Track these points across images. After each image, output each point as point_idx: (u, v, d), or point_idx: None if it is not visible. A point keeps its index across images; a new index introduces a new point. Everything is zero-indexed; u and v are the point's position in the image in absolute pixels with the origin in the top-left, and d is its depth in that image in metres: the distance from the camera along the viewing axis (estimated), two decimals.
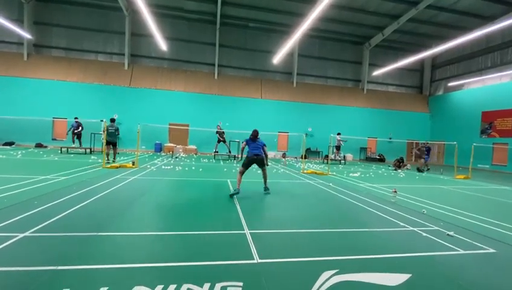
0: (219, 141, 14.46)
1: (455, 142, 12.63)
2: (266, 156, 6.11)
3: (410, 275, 2.49)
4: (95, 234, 3.09)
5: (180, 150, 16.14)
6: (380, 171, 12.53)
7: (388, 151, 20.17)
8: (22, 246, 2.69)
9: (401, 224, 4.15)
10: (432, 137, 21.12)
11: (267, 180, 6.22)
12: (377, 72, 19.75)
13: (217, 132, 14.48)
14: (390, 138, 19.97)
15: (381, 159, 20.03)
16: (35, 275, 2.15)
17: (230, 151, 14.88)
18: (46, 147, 15.74)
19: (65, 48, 17.47)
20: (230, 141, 14.91)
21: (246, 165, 5.96)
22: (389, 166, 15.39)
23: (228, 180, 7.45)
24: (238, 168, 6.18)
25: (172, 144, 16.90)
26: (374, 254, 2.95)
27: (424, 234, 3.72)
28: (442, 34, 18.30)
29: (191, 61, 18.89)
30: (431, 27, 17.88)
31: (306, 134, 13.38)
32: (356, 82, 21.46)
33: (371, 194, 6.60)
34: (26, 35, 15.94)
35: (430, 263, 2.83)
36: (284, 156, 16.70)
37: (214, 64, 18.80)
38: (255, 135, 6.13)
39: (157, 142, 17.21)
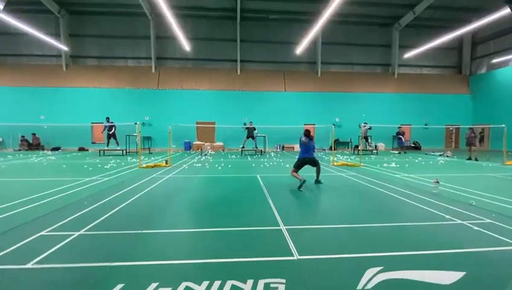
0: (248, 137, 14.64)
1: (503, 125, 11.43)
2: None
3: (465, 273, 2.31)
4: (141, 231, 3.28)
5: (208, 147, 16.55)
6: (416, 160, 11.80)
7: (424, 139, 18.93)
8: (78, 243, 2.94)
9: (447, 217, 3.87)
10: (474, 120, 19.36)
11: (320, 174, 6.45)
12: (409, 54, 18.44)
13: (246, 128, 14.71)
14: (426, 124, 18.69)
15: (417, 147, 18.85)
16: (93, 271, 2.33)
17: (256, 147, 14.94)
18: (87, 150, 17.05)
19: (98, 56, 18.62)
20: (256, 136, 14.96)
21: (298, 167, 6.15)
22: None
23: (257, 176, 7.50)
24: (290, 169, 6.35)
25: (200, 142, 17.39)
26: (420, 250, 2.78)
27: (475, 228, 3.43)
28: (482, 5, 16.45)
29: (213, 59, 19.14)
30: None
31: (334, 124, 12.97)
32: (386, 66, 20.25)
33: (409, 185, 6.25)
34: (63, 47, 17.23)
35: (485, 259, 2.61)
36: None
37: (236, 60, 18.86)
38: (307, 135, 6.23)
39: (186, 140, 17.81)
